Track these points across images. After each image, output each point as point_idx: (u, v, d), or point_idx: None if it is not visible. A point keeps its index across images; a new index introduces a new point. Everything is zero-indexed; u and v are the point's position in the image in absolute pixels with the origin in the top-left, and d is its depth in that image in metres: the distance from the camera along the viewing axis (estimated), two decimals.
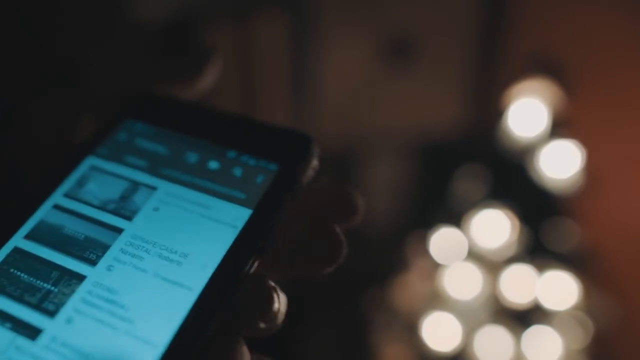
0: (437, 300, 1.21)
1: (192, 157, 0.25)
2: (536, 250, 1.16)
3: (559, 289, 1.15)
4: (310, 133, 0.26)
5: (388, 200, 1.51)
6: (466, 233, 1.19)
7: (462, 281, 1.18)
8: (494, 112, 1.25)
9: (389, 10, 1.34)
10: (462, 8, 1.38)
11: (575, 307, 1.15)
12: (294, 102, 1.40)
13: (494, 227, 1.16)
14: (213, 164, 0.25)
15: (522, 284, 1.15)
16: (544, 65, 1.19)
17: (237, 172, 0.25)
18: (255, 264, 0.22)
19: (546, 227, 1.17)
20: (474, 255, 1.18)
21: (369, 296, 1.32)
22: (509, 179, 1.20)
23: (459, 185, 1.23)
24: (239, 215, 0.23)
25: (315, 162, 0.25)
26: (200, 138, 0.26)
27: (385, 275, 1.31)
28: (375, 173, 1.47)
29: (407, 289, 1.27)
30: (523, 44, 1.34)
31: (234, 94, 1.32)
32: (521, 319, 1.16)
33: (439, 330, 1.20)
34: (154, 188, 0.25)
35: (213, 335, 0.20)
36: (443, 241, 1.21)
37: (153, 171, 0.25)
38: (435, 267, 1.22)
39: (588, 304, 1.16)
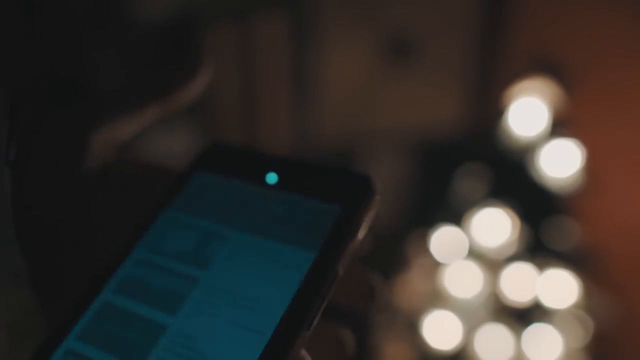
0: (437, 298, 1.21)
1: (259, 204, 0.27)
2: (536, 248, 1.17)
3: (559, 287, 1.15)
4: (369, 173, 0.26)
5: (389, 199, 1.51)
6: (467, 231, 1.19)
7: (462, 279, 1.18)
8: (494, 111, 1.25)
9: (389, 10, 1.34)
10: (462, 7, 1.38)
11: (576, 306, 1.16)
12: (294, 101, 1.40)
13: (494, 225, 1.16)
14: (278, 210, 0.26)
15: (523, 283, 1.15)
16: (544, 65, 1.19)
17: (301, 215, 0.26)
18: (322, 308, 0.23)
19: (546, 225, 1.17)
20: (475, 254, 1.19)
21: None
22: (510, 177, 1.20)
23: (459, 184, 1.24)
24: (305, 259, 0.24)
25: (376, 203, 0.26)
26: (264, 185, 0.27)
27: (385, 274, 1.31)
28: (376, 172, 1.47)
29: (407, 287, 1.27)
30: (523, 43, 1.34)
31: (234, 94, 1.33)
32: (521, 317, 1.17)
33: (439, 328, 1.20)
34: (225, 237, 0.26)
35: None
36: (444, 240, 1.22)
37: (223, 221, 0.27)
38: (435, 265, 1.22)
39: (588, 302, 1.16)
